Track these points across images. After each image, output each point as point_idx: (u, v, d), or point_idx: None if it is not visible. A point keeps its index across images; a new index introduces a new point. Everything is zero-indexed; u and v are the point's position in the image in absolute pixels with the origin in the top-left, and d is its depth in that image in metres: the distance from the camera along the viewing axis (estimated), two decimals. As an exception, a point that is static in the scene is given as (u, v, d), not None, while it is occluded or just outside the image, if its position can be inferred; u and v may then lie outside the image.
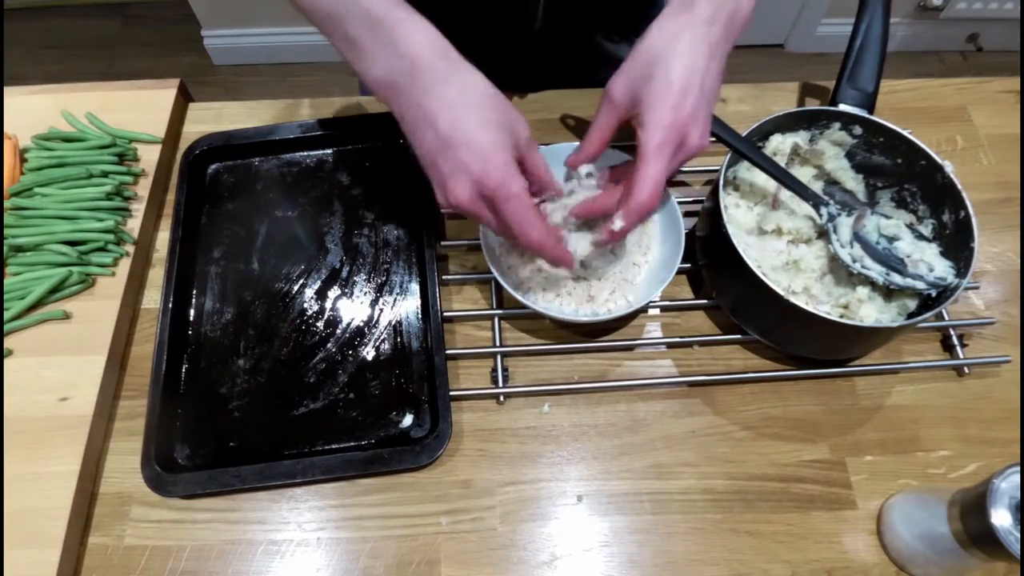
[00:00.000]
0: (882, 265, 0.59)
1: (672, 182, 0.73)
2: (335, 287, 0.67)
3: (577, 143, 0.60)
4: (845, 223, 0.60)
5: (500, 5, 0.73)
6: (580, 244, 0.60)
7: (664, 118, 0.50)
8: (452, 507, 0.57)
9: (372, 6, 0.49)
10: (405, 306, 0.66)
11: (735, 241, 0.56)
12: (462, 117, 0.49)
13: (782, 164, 0.64)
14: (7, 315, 0.62)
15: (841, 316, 0.59)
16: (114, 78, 0.80)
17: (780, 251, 0.63)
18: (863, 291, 0.59)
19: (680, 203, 0.65)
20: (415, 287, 0.67)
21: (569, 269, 0.61)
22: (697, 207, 0.68)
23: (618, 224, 0.53)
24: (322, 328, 0.65)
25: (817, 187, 0.65)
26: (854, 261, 0.59)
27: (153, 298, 0.67)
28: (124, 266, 0.67)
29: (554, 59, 0.78)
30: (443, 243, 0.69)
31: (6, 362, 0.61)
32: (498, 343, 0.64)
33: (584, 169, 0.60)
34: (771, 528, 0.57)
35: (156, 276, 0.69)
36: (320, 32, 0.53)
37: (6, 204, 0.68)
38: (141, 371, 0.63)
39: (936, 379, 0.64)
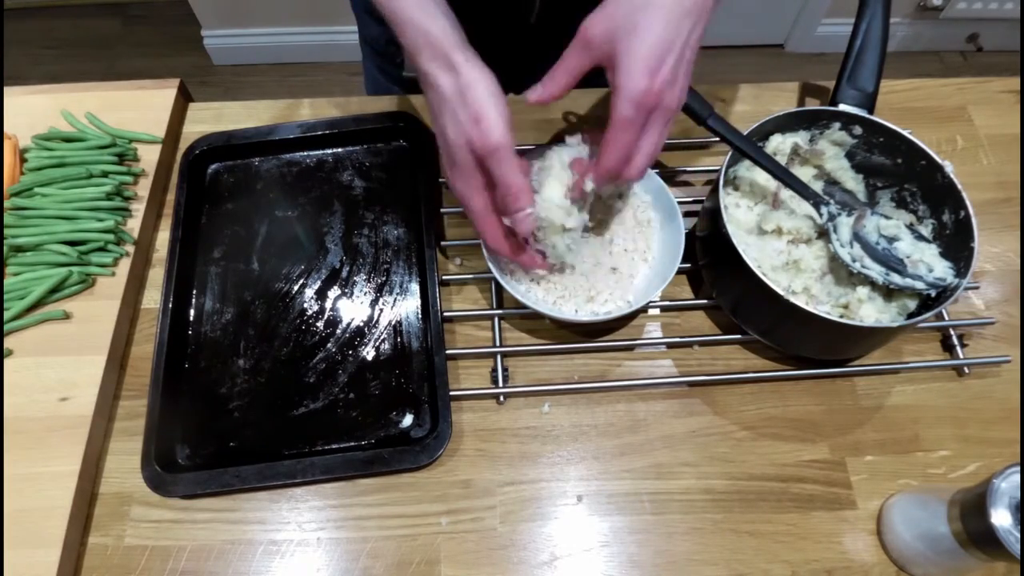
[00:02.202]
0: (882, 265, 0.59)
1: (672, 182, 0.73)
2: (335, 287, 0.67)
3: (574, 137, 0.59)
4: (845, 223, 0.60)
5: None
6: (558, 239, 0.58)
7: (639, 85, 0.48)
8: (452, 507, 0.57)
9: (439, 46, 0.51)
10: (405, 306, 0.66)
11: (735, 241, 0.56)
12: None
13: (782, 164, 0.64)
14: (7, 315, 0.62)
15: (841, 316, 0.59)
16: (114, 78, 0.80)
17: (780, 251, 0.63)
18: (863, 291, 0.59)
19: (680, 203, 0.65)
20: (415, 287, 0.67)
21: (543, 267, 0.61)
22: (697, 207, 0.68)
23: (588, 185, 0.54)
24: (322, 328, 0.65)
25: (817, 187, 0.65)
26: (854, 261, 0.59)
27: (153, 298, 0.67)
28: (124, 266, 0.67)
29: (551, 52, 0.78)
30: (443, 243, 0.69)
31: (6, 362, 0.61)
32: (498, 343, 0.64)
33: (568, 151, 0.58)
34: (771, 528, 0.57)
35: (156, 276, 0.69)
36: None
37: (6, 204, 0.68)
38: (141, 371, 0.63)
39: (936, 379, 0.64)
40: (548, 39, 0.78)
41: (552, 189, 0.55)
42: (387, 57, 0.89)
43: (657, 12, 0.49)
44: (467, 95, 0.50)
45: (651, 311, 0.67)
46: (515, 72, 0.79)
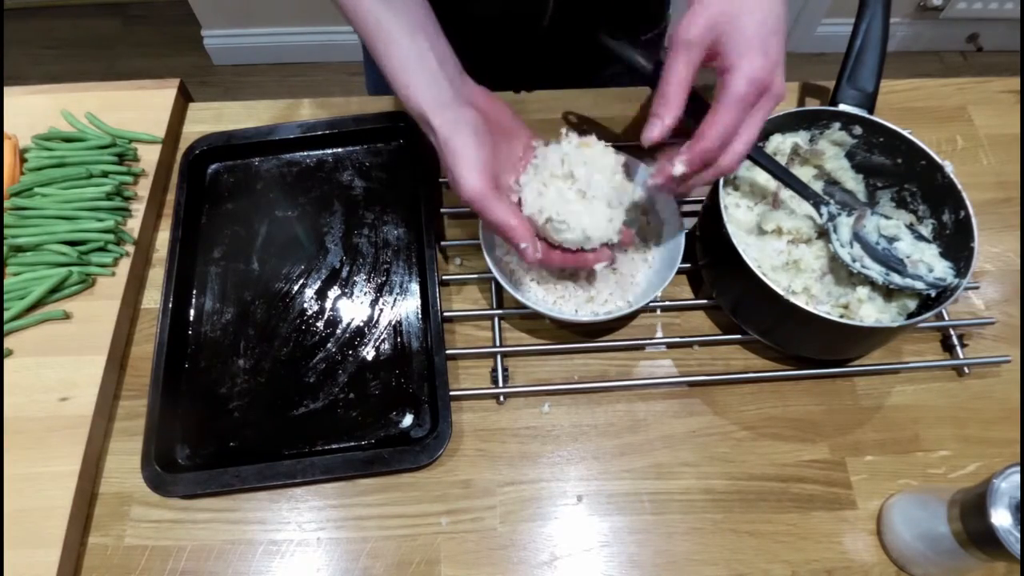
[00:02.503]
0: (882, 265, 0.59)
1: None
2: (335, 287, 0.67)
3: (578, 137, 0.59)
4: (845, 223, 0.60)
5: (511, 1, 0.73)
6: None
7: (754, 62, 0.47)
8: (452, 507, 0.57)
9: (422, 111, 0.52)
10: (405, 306, 0.66)
11: (735, 241, 0.56)
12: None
13: (782, 164, 0.64)
14: (7, 315, 0.62)
15: (841, 316, 0.59)
16: (114, 78, 0.80)
17: (780, 251, 0.63)
18: (863, 291, 0.59)
19: (680, 203, 0.65)
20: (415, 287, 0.67)
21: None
22: (697, 207, 0.68)
23: (678, 168, 0.50)
24: (322, 328, 0.65)
25: (817, 187, 0.65)
26: (854, 261, 0.59)
27: (153, 298, 0.67)
28: (124, 266, 0.67)
29: (561, 55, 0.78)
30: (443, 243, 0.69)
31: (6, 362, 0.61)
32: (498, 343, 0.64)
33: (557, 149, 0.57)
34: (771, 528, 0.57)
35: (156, 276, 0.69)
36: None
37: (6, 204, 0.68)
38: (141, 371, 0.63)
39: (936, 379, 0.64)
40: (561, 42, 0.78)
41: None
42: None
43: None
44: (444, 154, 0.52)
45: (651, 311, 0.67)
46: (528, 75, 0.79)
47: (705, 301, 0.66)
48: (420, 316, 0.65)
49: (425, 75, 0.52)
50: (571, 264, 0.58)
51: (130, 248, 0.68)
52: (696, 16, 0.48)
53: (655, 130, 0.49)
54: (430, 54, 0.52)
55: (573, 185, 0.56)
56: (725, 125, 0.48)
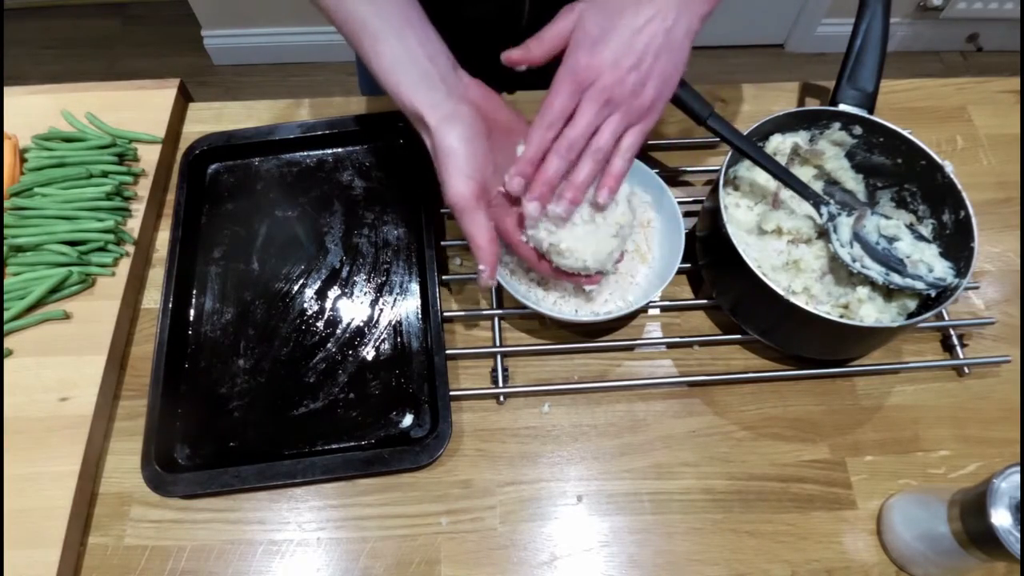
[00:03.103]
0: (882, 265, 0.59)
1: (673, 182, 0.73)
2: (335, 287, 0.67)
3: None
4: (845, 223, 0.60)
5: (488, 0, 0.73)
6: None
7: (576, 60, 0.50)
8: (452, 507, 0.57)
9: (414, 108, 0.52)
10: (405, 306, 0.66)
11: (735, 241, 0.56)
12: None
13: (782, 164, 0.64)
14: (7, 315, 0.62)
15: (841, 316, 0.59)
16: (114, 78, 0.80)
17: (780, 251, 0.63)
18: (863, 291, 0.59)
19: (680, 203, 0.65)
20: (415, 287, 0.67)
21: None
22: (697, 207, 0.68)
23: (520, 148, 0.53)
24: (322, 328, 0.65)
25: (817, 187, 0.65)
26: (854, 261, 0.59)
27: (153, 298, 0.67)
28: (124, 266, 0.67)
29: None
30: (443, 243, 0.69)
31: (6, 362, 0.61)
32: (498, 343, 0.64)
33: None
34: (771, 528, 0.57)
35: (156, 276, 0.69)
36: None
37: (6, 204, 0.68)
38: (141, 371, 0.63)
39: (936, 379, 0.64)
40: None
41: None
42: None
43: (617, 8, 0.50)
44: (436, 153, 0.52)
45: (651, 311, 0.67)
46: (507, 74, 0.79)
47: (705, 301, 0.66)
48: (420, 316, 0.65)
49: (416, 72, 0.52)
50: (561, 279, 0.58)
51: (130, 248, 0.68)
52: (568, 17, 0.52)
53: (514, 58, 0.54)
54: (420, 51, 0.52)
55: (580, 211, 0.55)
56: (554, 103, 0.51)
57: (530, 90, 0.79)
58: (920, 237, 0.60)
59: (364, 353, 0.63)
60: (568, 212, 0.54)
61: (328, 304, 0.66)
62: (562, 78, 0.51)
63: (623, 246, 0.58)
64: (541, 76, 0.76)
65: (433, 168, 0.71)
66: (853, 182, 0.67)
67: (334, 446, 0.59)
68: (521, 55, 0.54)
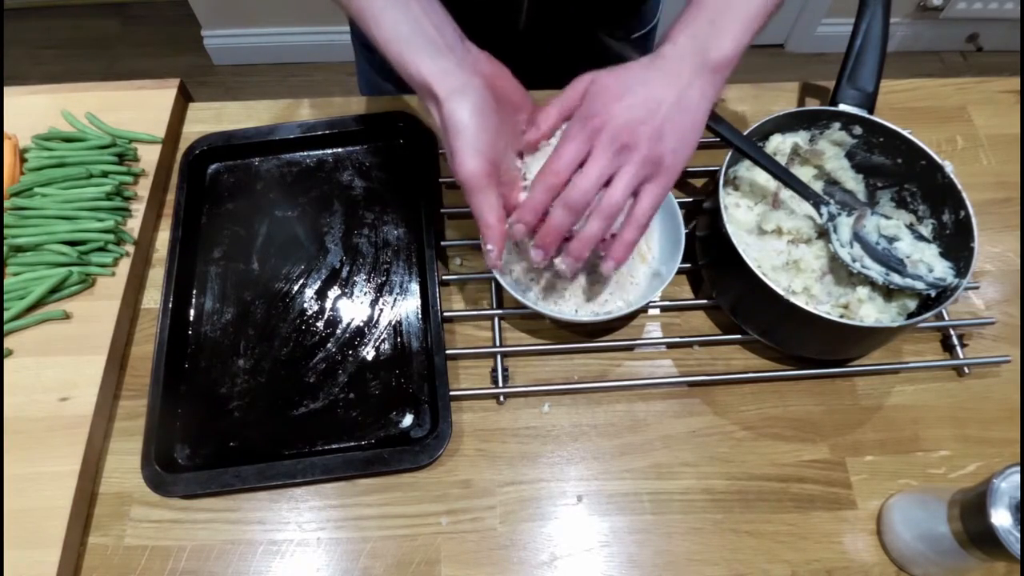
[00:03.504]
0: (882, 265, 0.59)
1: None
2: (335, 287, 0.67)
3: None
4: (845, 223, 0.60)
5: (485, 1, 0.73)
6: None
7: (591, 106, 0.50)
8: (452, 507, 0.57)
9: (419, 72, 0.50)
10: (405, 306, 0.66)
11: (735, 241, 0.56)
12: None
13: (782, 164, 0.64)
14: (7, 315, 0.62)
15: (841, 316, 0.59)
16: (114, 78, 0.80)
17: (780, 251, 0.63)
18: (863, 291, 0.59)
19: (680, 203, 0.65)
20: (415, 287, 0.67)
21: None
22: (697, 207, 0.68)
23: (523, 195, 0.52)
24: (322, 328, 0.65)
25: (817, 187, 0.65)
26: (854, 261, 0.59)
27: (153, 298, 0.67)
28: (124, 266, 0.67)
29: (540, 58, 0.78)
30: (443, 243, 0.69)
31: (6, 362, 0.61)
32: (498, 343, 0.64)
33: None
34: (771, 528, 0.57)
35: (156, 276, 0.69)
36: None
37: (6, 204, 0.68)
38: (141, 371, 0.63)
39: (936, 379, 0.64)
40: (537, 45, 0.78)
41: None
42: (382, 57, 0.88)
43: (637, 80, 0.50)
44: (446, 127, 0.50)
45: (651, 311, 0.67)
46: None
47: (705, 301, 0.66)
48: (420, 316, 0.65)
49: (422, 40, 0.50)
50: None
51: (130, 248, 0.68)
52: (576, 86, 0.52)
53: (531, 136, 0.54)
54: (425, 19, 0.50)
55: None
56: (564, 149, 0.50)
57: (533, 89, 0.79)
58: (920, 237, 0.60)
59: (364, 353, 0.63)
60: (573, 270, 0.53)
61: (328, 304, 0.66)
62: (574, 124, 0.50)
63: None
64: (538, 77, 0.76)
65: (433, 168, 0.72)
66: (853, 182, 0.67)
67: (334, 446, 0.59)
68: (534, 136, 0.54)
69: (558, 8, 0.73)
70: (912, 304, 0.59)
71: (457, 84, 0.49)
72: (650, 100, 0.49)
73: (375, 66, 0.90)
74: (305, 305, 0.66)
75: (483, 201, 0.50)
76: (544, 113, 0.54)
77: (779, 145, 0.66)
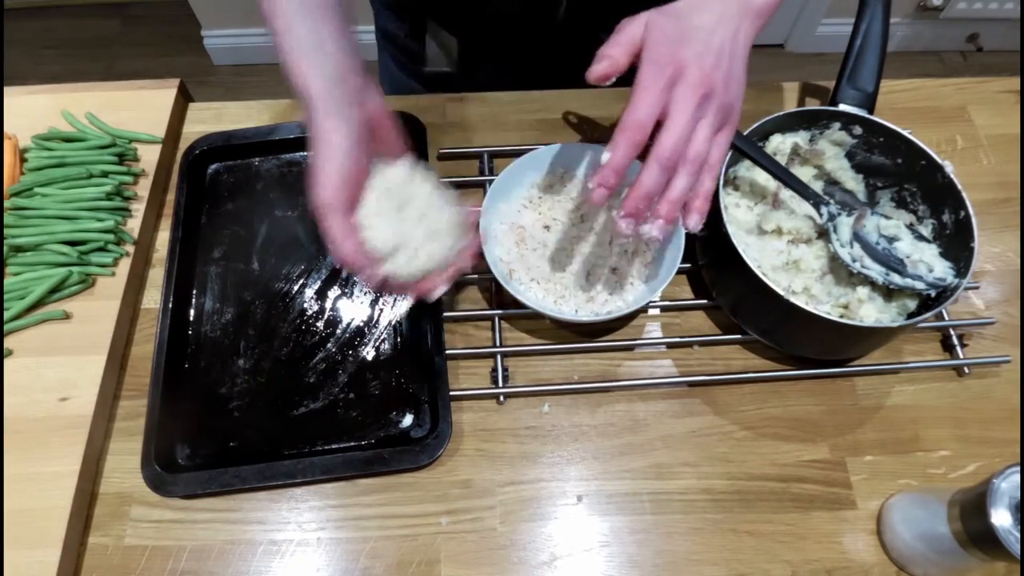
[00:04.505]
0: (882, 265, 0.59)
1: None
2: (335, 287, 0.67)
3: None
4: (845, 223, 0.60)
5: None
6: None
7: (661, 53, 0.48)
8: (452, 507, 0.57)
9: (309, 90, 0.49)
10: (405, 306, 0.66)
11: (735, 241, 0.56)
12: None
13: (782, 164, 0.64)
14: (7, 315, 0.62)
15: (841, 316, 0.59)
16: (114, 78, 0.80)
17: (780, 251, 0.63)
18: (863, 291, 0.59)
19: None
20: (415, 287, 0.67)
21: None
22: (697, 207, 0.68)
23: (604, 155, 0.48)
24: (322, 328, 0.65)
25: (817, 187, 0.65)
26: (854, 261, 0.59)
27: (153, 298, 0.67)
28: (124, 266, 0.67)
29: (576, 52, 0.78)
30: (443, 243, 0.69)
31: (6, 362, 0.61)
32: (498, 343, 0.64)
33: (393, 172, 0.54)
34: (771, 528, 0.57)
35: (156, 276, 0.68)
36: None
37: (6, 204, 0.68)
38: (141, 371, 0.63)
39: (936, 379, 0.64)
40: (575, 39, 0.78)
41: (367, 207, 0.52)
42: (408, 52, 0.87)
43: (688, 11, 0.49)
44: (315, 146, 0.49)
45: (651, 311, 0.67)
46: (541, 71, 0.79)
47: (705, 301, 0.66)
48: (420, 316, 0.65)
49: (320, 59, 0.49)
50: (395, 290, 0.55)
51: (130, 248, 0.68)
52: (637, 19, 0.50)
53: (600, 68, 0.50)
54: (331, 43, 0.50)
55: (402, 219, 0.52)
56: (643, 103, 0.47)
57: (557, 89, 0.78)
58: (920, 237, 0.60)
59: (364, 353, 0.63)
60: (664, 233, 0.50)
61: (328, 304, 0.66)
62: (648, 73, 0.47)
63: (457, 244, 0.55)
64: (569, 72, 0.75)
65: (432, 168, 0.72)
66: (853, 182, 0.67)
67: (334, 446, 0.59)
68: (608, 67, 0.50)
69: (596, 2, 0.73)
70: (912, 304, 0.59)
71: (336, 108, 0.49)
72: (712, 45, 0.49)
73: (401, 64, 0.89)
74: (305, 305, 0.66)
75: (341, 224, 0.49)
76: (607, 51, 0.50)
77: (779, 145, 0.66)
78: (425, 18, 0.79)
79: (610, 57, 0.50)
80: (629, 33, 0.50)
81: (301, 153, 0.75)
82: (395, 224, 0.52)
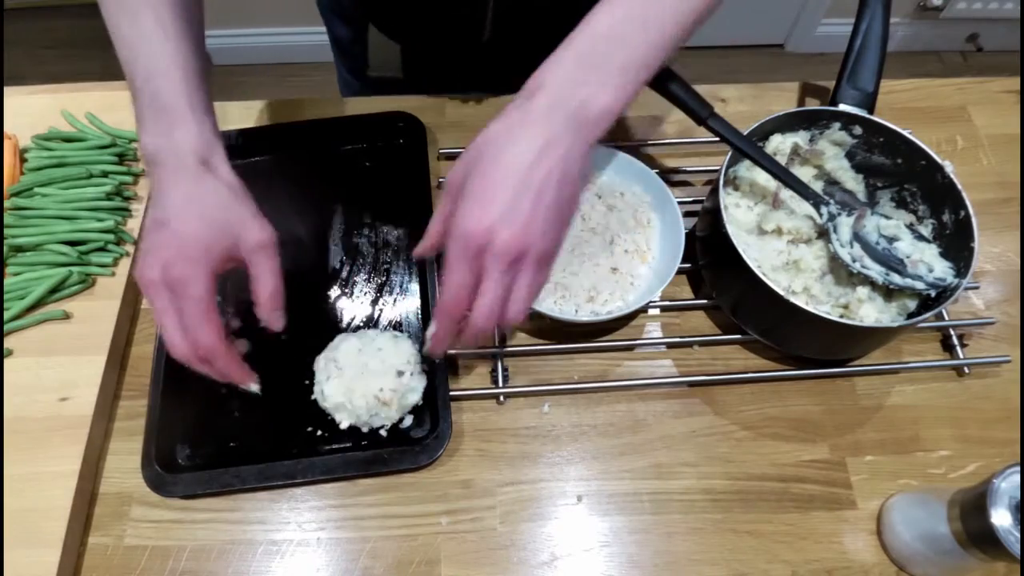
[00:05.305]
0: (882, 265, 0.59)
1: (672, 182, 0.73)
2: (335, 287, 0.67)
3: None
4: (845, 223, 0.60)
5: (450, 12, 0.73)
6: None
7: (466, 223, 0.43)
8: (452, 507, 0.57)
9: (163, 92, 0.50)
10: (405, 306, 0.66)
11: (735, 241, 0.56)
12: (186, 208, 0.50)
13: (782, 164, 0.64)
14: (7, 315, 0.62)
15: (841, 316, 0.59)
16: (114, 78, 0.80)
17: (780, 251, 0.63)
18: (863, 291, 0.59)
19: (680, 203, 0.65)
20: (415, 287, 0.67)
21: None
22: (697, 207, 0.68)
23: (430, 329, 0.49)
24: (322, 328, 0.64)
25: (817, 187, 0.65)
26: (854, 261, 0.59)
27: (153, 298, 0.67)
28: (124, 266, 0.67)
29: (504, 69, 0.78)
30: (443, 243, 0.69)
31: (6, 362, 0.61)
32: (498, 343, 0.64)
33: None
34: (771, 528, 0.57)
35: (156, 276, 0.68)
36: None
37: (6, 204, 0.68)
38: (141, 371, 0.63)
39: (936, 379, 0.64)
40: (500, 57, 0.78)
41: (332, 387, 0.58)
42: (353, 57, 0.89)
43: (501, 148, 0.44)
44: (227, 181, 0.52)
45: (651, 311, 0.67)
46: (479, 82, 0.79)
47: (705, 301, 0.66)
48: (420, 316, 0.65)
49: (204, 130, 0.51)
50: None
51: (130, 248, 0.68)
52: (459, 163, 0.46)
53: (420, 251, 0.50)
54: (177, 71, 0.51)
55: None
56: (456, 283, 0.44)
57: (487, 95, 0.79)
58: (920, 237, 0.60)
59: (364, 353, 0.63)
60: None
61: (328, 304, 0.66)
62: (453, 252, 0.44)
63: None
64: (504, 86, 0.75)
65: (432, 168, 0.72)
66: (853, 182, 0.67)
67: (334, 446, 0.59)
68: (430, 249, 0.50)
69: (522, 20, 0.73)
70: (912, 304, 0.59)
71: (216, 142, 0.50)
72: (533, 183, 0.43)
73: (351, 70, 0.91)
74: (305, 305, 0.66)
75: (199, 317, 0.52)
76: (431, 227, 0.49)
77: (779, 145, 0.66)
78: (368, 24, 0.80)
79: (430, 236, 0.49)
80: (446, 199, 0.47)
81: (301, 153, 0.75)
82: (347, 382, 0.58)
